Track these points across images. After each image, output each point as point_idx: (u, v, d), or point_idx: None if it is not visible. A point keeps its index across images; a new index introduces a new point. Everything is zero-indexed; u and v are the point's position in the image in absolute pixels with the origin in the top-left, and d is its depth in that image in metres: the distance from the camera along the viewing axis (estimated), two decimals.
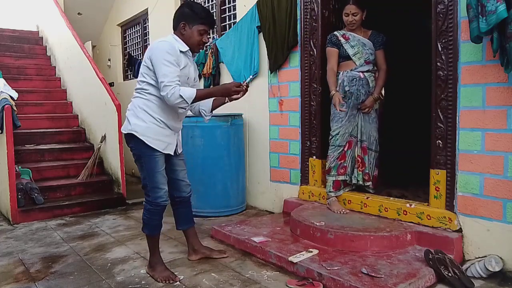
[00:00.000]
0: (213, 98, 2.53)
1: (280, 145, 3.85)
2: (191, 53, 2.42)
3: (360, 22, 3.08)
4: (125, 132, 2.38)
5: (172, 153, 2.48)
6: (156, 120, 2.33)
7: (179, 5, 5.21)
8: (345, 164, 3.14)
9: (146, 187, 2.43)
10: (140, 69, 2.39)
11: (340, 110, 2.94)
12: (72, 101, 5.80)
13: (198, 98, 2.26)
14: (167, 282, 2.39)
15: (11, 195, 3.84)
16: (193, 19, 2.31)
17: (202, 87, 4.65)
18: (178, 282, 2.41)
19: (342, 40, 3.10)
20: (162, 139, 2.37)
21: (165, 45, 2.27)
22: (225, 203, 3.89)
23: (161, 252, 2.92)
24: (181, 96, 2.19)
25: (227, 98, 2.45)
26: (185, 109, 2.29)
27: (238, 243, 2.95)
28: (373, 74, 3.14)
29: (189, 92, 2.22)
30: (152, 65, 2.28)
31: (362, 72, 3.09)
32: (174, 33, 2.41)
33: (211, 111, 2.59)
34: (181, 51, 2.32)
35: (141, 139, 2.30)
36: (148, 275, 2.51)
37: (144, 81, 2.35)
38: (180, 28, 2.34)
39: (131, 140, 2.37)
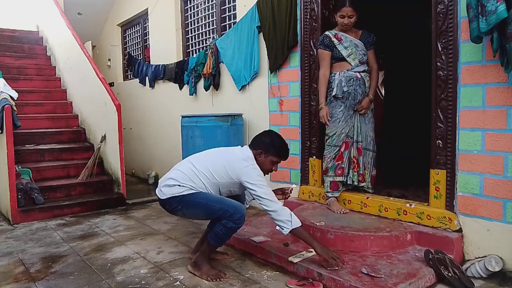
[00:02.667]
0: None
1: None
2: None
3: (353, 25, 3.06)
4: (166, 198, 2.47)
5: None
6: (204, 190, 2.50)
7: (179, 8, 5.30)
8: (343, 165, 3.12)
9: (226, 214, 2.38)
10: (216, 163, 2.49)
11: (326, 124, 3.10)
12: (72, 101, 5.81)
13: (297, 231, 2.34)
14: (217, 280, 2.40)
15: (11, 195, 3.84)
16: (270, 151, 2.52)
17: (202, 87, 4.67)
18: (178, 282, 2.41)
19: (335, 41, 3.07)
20: None
21: (258, 171, 2.45)
22: None
23: (161, 252, 2.94)
24: (291, 215, 2.33)
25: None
26: (283, 229, 2.35)
27: (238, 243, 2.95)
28: (368, 74, 3.13)
29: (296, 220, 2.34)
30: (239, 179, 2.43)
31: (359, 72, 3.08)
32: (252, 149, 2.55)
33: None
34: None
35: (181, 194, 2.44)
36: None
37: (214, 177, 2.47)
38: (257, 153, 2.53)
39: (172, 200, 2.46)
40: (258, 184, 2.38)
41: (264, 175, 2.54)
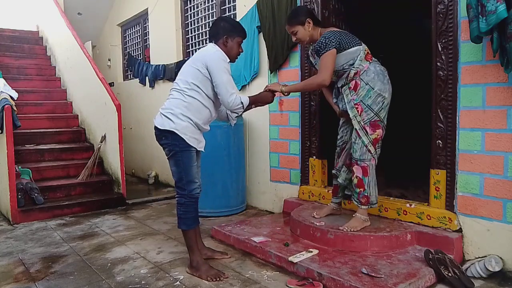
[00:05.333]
0: None
1: (280, 145, 3.85)
2: (229, 64, 2.60)
3: (309, 35, 2.73)
4: (165, 129, 2.48)
5: (203, 150, 2.64)
6: (192, 121, 2.50)
7: (179, 8, 5.30)
8: (337, 167, 2.95)
9: (181, 181, 2.51)
10: (186, 71, 2.53)
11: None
12: (72, 101, 5.81)
13: (250, 104, 2.56)
14: (217, 280, 2.40)
15: (11, 195, 3.84)
16: (233, 32, 2.57)
17: None
18: (178, 282, 2.41)
19: (312, 59, 2.88)
20: (196, 137, 2.54)
21: (222, 55, 2.49)
22: (225, 203, 3.89)
23: (161, 252, 2.94)
24: (241, 102, 2.46)
25: (253, 104, 2.74)
26: (239, 114, 2.55)
27: (238, 243, 2.95)
28: (347, 87, 2.68)
29: (246, 99, 2.53)
30: (209, 72, 2.44)
31: (338, 87, 2.79)
32: (215, 43, 2.57)
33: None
34: None
35: (180, 136, 2.46)
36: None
37: (192, 83, 2.48)
38: (224, 41, 2.55)
39: (168, 137, 2.48)
40: (220, 71, 2.41)
41: (233, 62, 2.64)
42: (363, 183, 2.67)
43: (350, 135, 2.82)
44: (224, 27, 2.56)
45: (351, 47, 2.62)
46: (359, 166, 2.67)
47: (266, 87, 2.80)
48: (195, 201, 2.54)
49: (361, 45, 2.67)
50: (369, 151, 2.65)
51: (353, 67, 2.63)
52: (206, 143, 2.67)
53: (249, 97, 2.59)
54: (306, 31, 2.73)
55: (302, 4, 3.48)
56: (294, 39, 2.81)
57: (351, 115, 2.66)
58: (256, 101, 2.66)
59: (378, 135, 2.66)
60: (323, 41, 2.61)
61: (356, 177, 2.69)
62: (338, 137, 2.96)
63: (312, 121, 3.52)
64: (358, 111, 2.64)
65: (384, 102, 2.64)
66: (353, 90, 2.66)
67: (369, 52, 2.71)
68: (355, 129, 2.66)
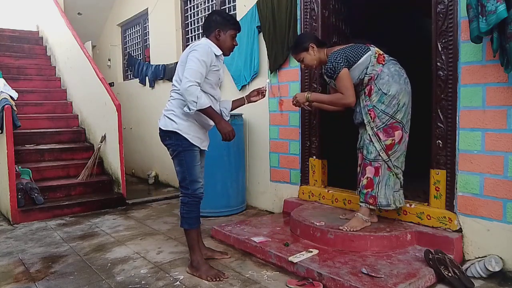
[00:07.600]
0: (233, 99, 2.83)
1: (280, 145, 3.85)
2: (223, 57, 2.61)
3: (316, 58, 2.79)
4: (168, 129, 2.49)
5: (207, 149, 2.66)
6: (195, 119, 2.51)
7: (179, 8, 5.30)
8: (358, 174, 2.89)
9: (184, 181, 2.52)
10: (179, 70, 2.50)
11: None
12: (72, 101, 5.81)
13: (205, 112, 2.41)
14: (217, 280, 2.40)
15: (11, 195, 3.84)
16: (226, 25, 2.54)
17: None
18: (178, 282, 2.41)
19: (325, 77, 2.86)
20: (200, 136, 2.56)
21: (204, 48, 2.44)
22: (225, 203, 3.89)
23: (161, 252, 2.94)
24: (197, 97, 2.33)
25: (245, 99, 2.81)
26: (190, 109, 2.39)
27: (238, 243, 2.95)
28: (364, 92, 2.69)
29: (204, 101, 2.36)
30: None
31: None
32: (208, 37, 2.58)
33: (230, 111, 2.81)
34: (216, 55, 2.50)
35: (184, 136, 2.47)
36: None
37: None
38: (216, 34, 2.54)
39: (172, 137, 2.50)
40: (193, 58, 2.37)
41: (228, 55, 2.63)
42: (372, 183, 2.67)
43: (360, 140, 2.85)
44: (215, 20, 2.54)
45: (359, 58, 2.63)
46: (372, 167, 2.68)
47: (294, 97, 2.83)
48: (199, 201, 2.55)
49: (370, 50, 2.66)
50: (381, 156, 2.65)
51: (367, 74, 2.65)
52: None
53: (215, 112, 2.45)
54: (312, 55, 2.79)
55: (302, 5, 3.48)
56: (302, 66, 2.89)
57: (365, 121, 2.68)
58: (215, 120, 2.44)
59: (393, 140, 2.63)
60: (331, 66, 2.63)
61: (367, 178, 2.68)
62: (358, 141, 2.87)
63: (312, 121, 3.52)
64: (371, 117, 2.65)
65: (399, 104, 2.61)
66: (367, 96, 2.67)
67: (381, 54, 2.68)
68: (368, 134, 2.68)
